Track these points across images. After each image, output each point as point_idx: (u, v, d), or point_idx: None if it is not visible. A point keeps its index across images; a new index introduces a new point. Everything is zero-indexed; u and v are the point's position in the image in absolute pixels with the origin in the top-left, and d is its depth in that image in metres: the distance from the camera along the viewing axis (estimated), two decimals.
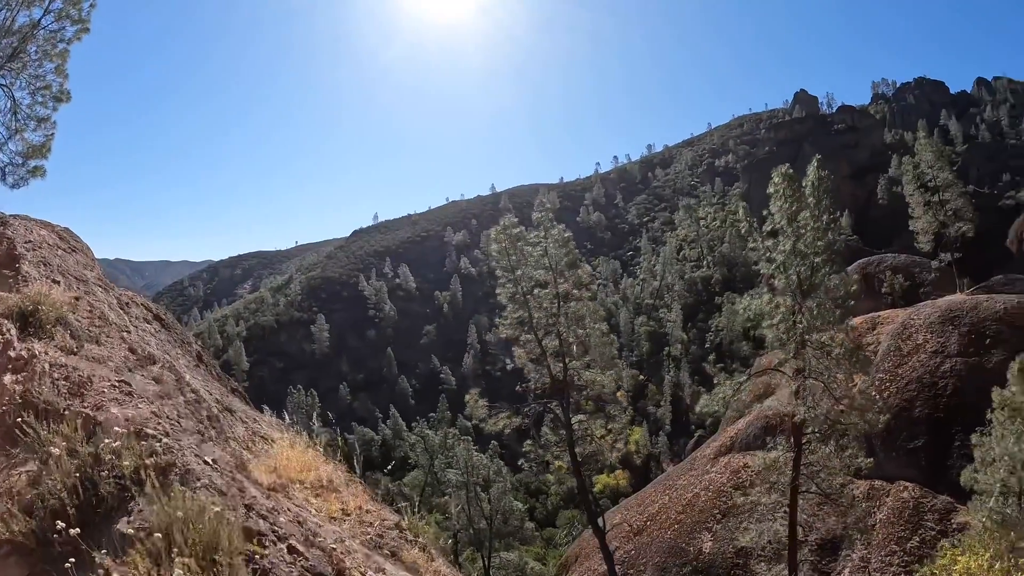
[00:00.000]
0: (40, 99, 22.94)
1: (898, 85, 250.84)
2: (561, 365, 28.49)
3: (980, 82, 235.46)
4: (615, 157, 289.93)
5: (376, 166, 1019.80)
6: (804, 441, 21.60)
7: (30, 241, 15.11)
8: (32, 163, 22.52)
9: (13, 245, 14.30)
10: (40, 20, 22.70)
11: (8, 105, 23.12)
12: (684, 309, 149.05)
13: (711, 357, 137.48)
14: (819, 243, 19.95)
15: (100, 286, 16.40)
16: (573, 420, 28.89)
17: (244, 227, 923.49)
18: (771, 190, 21.33)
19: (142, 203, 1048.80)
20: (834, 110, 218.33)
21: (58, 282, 13.34)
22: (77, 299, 12.47)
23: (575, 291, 28.25)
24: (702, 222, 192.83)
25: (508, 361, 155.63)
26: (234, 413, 14.23)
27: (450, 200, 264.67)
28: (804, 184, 20.75)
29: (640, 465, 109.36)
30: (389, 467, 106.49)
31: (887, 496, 27.93)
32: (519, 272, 28.10)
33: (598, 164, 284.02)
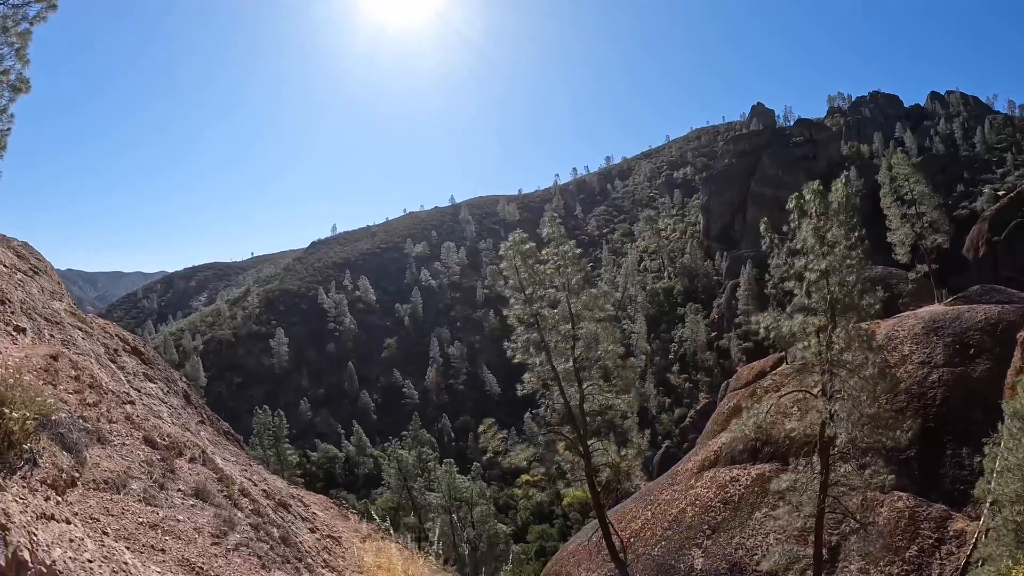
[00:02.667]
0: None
1: (853, 99, 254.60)
2: (575, 389, 27.69)
3: (933, 96, 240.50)
4: (574, 169, 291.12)
5: (334, 177, 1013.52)
6: (830, 461, 21.21)
7: None
8: None
9: None
10: None
11: None
12: (647, 320, 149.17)
13: (675, 368, 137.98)
14: (851, 261, 19.58)
15: (78, 326, 15.06)
16: (590, 444, 28.11)
17: (199, 238, 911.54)
18: (791, 204, 20.92)
19: (92, 211, 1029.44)
20: (791, 123, 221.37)
21: (23, 329, 11.90)
22: (55, 358, 11.00)
23: (587, 311, 27.50)
24: (662, 233, 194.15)
25: (466, 373, 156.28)
26: (289, 509, 13.11)
27: (408, 211, 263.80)
28: (832, 200, 20.35)
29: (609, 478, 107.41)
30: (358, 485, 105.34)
31: (882, 507, 27.67)
32: (529, 291, 27.24)
33: (557, 176, 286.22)
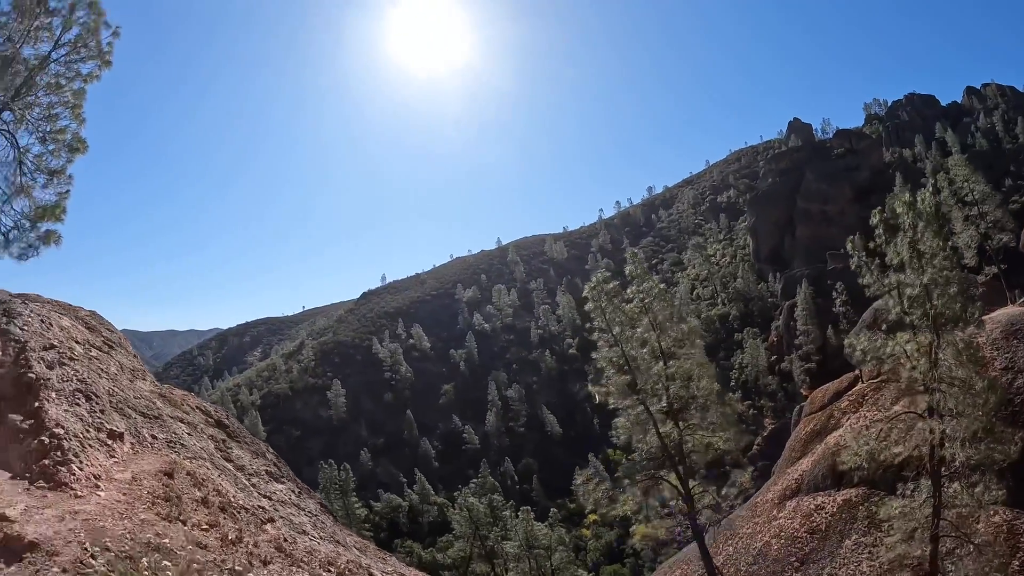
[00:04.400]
0: (52, 147, 20.78)
1: (889, 104, 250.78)
2: (671, 428, 26.78)
3: (970, 91, 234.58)
4: (617, 202, 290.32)
5: (380, 228, 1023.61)
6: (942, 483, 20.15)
7: (52, 345, 12.39)
8: (43, 227, 20.39)
9: (26, 359, 11.30)
10: (50, 54, 20.91)
11: (12, 155, 20.91)
12: (705, 348, 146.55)
13: (737, 394, 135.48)
14: (948, 272, 18.70)
15: (179, 416, 13.65)
16: (692, 487, 27.09)
17: (250, 294, 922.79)
18: (875, 219, 20.21)
19: (143, 271, 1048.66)
20: (830, 135, 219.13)
21: (120, 435, 10.63)
22: (170, 475, 9.90)
23: (678, 348, 26.69)
24: (712, 259, 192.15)
25: (525, 415, 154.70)
26: None
27: (455, 257, 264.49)
28: (921, 211, 19.51)
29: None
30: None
31: (978, 523, 26.35)
32: (617, 331, 26.52)
33: (601, 211, 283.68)
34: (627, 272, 28.56)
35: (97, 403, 10.93)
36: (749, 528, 34.02)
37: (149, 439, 10.78)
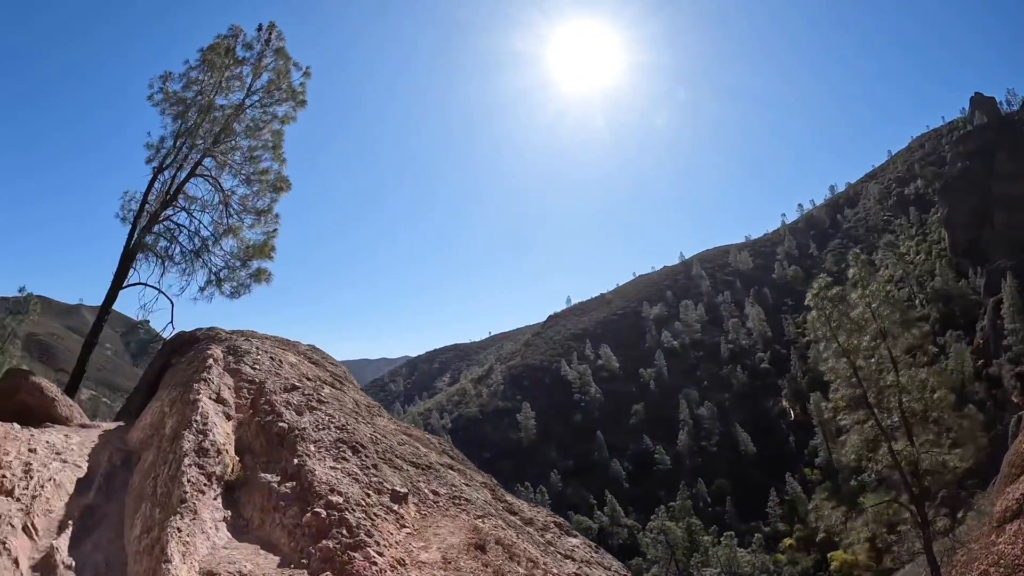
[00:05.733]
0: (256, 189, 22.42)
1: None
2: (904, 446, 25.35)
3: None
4: (799, 205, 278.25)
5: (562, 250, 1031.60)
6: None
7: (294, 386, 11.16)
8: (254, 265, 22.19)
9: (270, 403, 10.25)
10: (244, 100, 22.41)
11: (218, 198, 22.64)
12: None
13: None
14: None
15: (448, 463, 11.46)
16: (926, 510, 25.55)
17: (437, 323, 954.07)
18: None
19: (334, 302, 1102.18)
20: (1016, 107, 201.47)
21: (402, 496, 8.36)
22: (482, 548, 7.59)
23: (908, 356, 25.32)
24: (905, 257, 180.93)
25: (718, 434, 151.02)
26: None
27: (638, 275, 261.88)
28: None
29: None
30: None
31: None
32: (843, 339, 25.46)
33: (784, 215, 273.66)
34: (850, 276, 27.53)
35: (366, 456, 9.28)
36: (963, 555, 31.85)
37: (431, 496, 8.95)
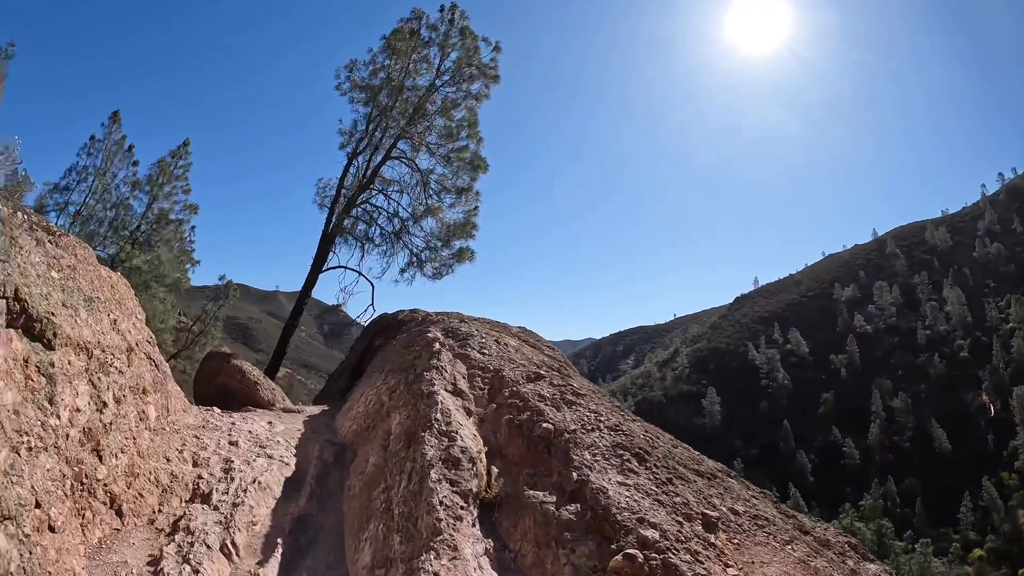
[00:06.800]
0: (455, 167, 22.37)
1: None
2: None
3: None
4: (1000, 174, 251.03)
5: (746, 229, 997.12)
6: None
7: (539, 375, 9.60)
8: (456, 245, 22.11)
9: (519, 395, 8.76)
10: (434, 81, 22.56)
11: (415, 179, 22.92)
12: None
13: None
14: None
15: (720, 469, 8.76)
16: None
17: (621, 305, 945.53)
18: None
19: (517, 286, 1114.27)
20: None
21: (713, 523, 6.60)
22: None
23: None
24: None
25: (911, 428, 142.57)
26: None
27: (827, 254, 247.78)
28: None
29: None
30: None
31: None
32: None
33: (983, 186, 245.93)
34: None
35: (655, 466, 7.41)
36: None
37: (732, 517, 6.96)
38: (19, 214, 5.98)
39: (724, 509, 7.08)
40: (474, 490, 6.80)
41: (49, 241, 6.60)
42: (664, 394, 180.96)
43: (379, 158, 22.67)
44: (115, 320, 7.36)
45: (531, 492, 6.74)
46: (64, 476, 5.61)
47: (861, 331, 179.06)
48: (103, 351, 6.76)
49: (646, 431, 8.88)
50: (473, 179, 22.12)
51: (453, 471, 6.94)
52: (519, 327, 14.59)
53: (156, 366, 8.40)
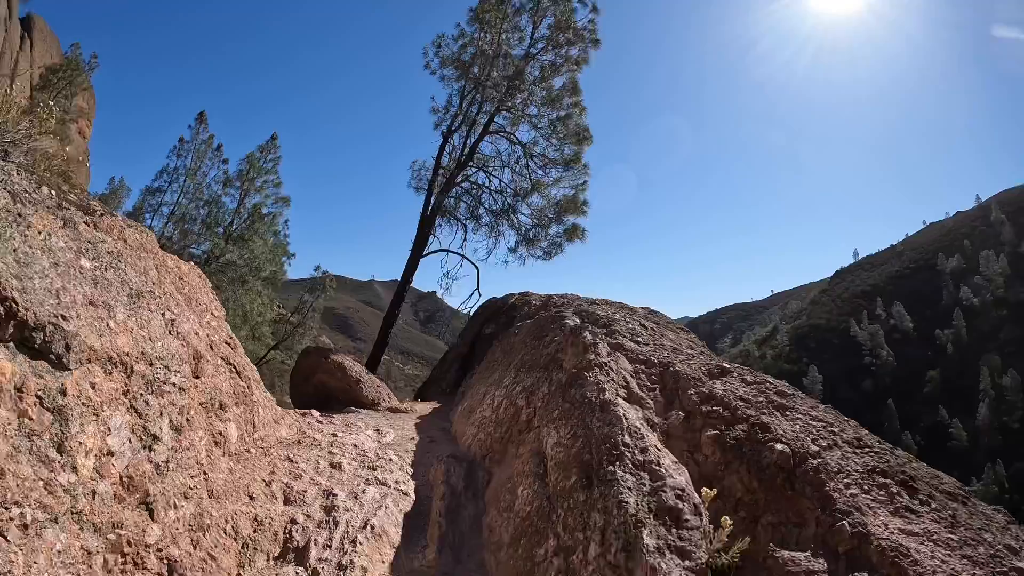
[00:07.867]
0: (560, 138, 21.09)
1: None
2: None
3: None
4: None
5: (844, 199, 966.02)
6: None
7: (724, 368, 7.87)
8: (569, 220, 20.89)
9: (726, 404, 6.69)
10: (528, 50, 21.40)
11: (517, 154, 21.70)
12: None
13: None
14: None
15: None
16: None
17: (718, 282, 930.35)
18: None
19: (613, 265, 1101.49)
20: None
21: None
22: None
23: None
24: None
25: (1021, 408, 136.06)
26: None
27: (928, 223, 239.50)
28: None
29: None
30: None
31: None
32: None
33: None
34: None
35: (930, 500, 5.43)
36: None
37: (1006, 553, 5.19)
38: (46, 189, 4.74)
39: (995, 543, 5.02)
40: (703, 559, 4.61)
41: (85, 223, 5.03)
42: (764, 372, 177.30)
43: (476, 134, 21.90)
44: (173, 320, 5.68)
45: (785, 555, 4.79)
46: (89, 553, 4.00)
47: (967, 304, 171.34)
48: (151, 364, 5.06)
49: (880, 441, 6.52)
50: (579, 151, 20.98)
51: (674, 530, 4.77)
52: (644, 308, 12.31)
53: (237, 372, 6.86)
